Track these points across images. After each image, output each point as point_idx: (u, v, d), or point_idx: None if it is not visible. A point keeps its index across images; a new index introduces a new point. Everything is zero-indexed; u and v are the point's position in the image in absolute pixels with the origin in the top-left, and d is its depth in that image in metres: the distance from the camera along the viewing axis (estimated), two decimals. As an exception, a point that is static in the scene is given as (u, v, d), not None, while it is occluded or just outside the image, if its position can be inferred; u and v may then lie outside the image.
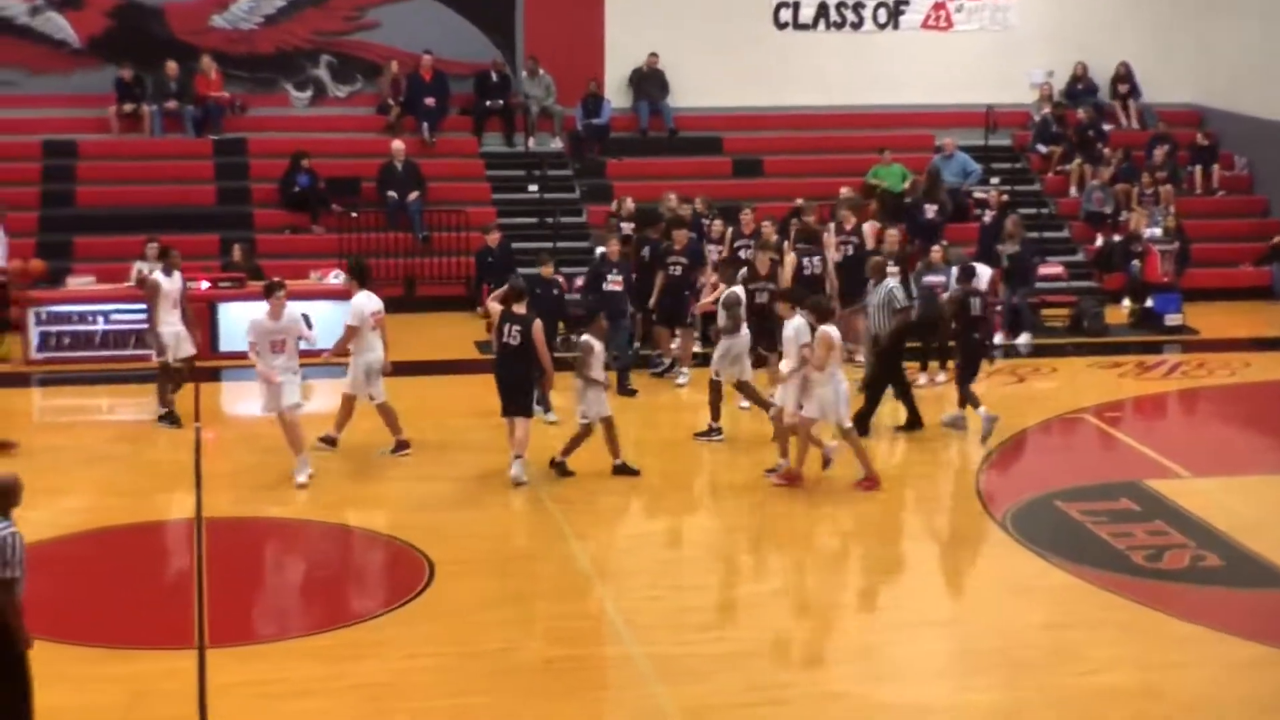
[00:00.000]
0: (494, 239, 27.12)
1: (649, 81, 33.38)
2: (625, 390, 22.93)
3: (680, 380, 23.93)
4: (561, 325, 23.73)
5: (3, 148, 30.77)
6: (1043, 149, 33.78)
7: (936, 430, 21.69)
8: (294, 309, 19.37)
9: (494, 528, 17.94)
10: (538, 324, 19.17)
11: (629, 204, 27.98)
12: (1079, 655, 14.39)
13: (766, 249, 23.44)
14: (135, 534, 17.62)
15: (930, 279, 24.11)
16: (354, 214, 29.94)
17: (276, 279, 20.26)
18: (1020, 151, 33.94)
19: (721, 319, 21.11)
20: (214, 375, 23.53)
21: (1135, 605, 15.59)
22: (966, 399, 21.64)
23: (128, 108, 31.41)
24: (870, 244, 25.13)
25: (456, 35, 33.04)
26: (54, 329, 25.17)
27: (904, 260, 23.90)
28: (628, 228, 27.04)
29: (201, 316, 23.65)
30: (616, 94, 33.39)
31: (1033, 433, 22.15)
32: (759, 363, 21.29)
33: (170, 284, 21.74)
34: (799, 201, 28.32)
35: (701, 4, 33.57)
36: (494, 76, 32.72)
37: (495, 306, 19.58)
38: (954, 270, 23.08)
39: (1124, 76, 34.84)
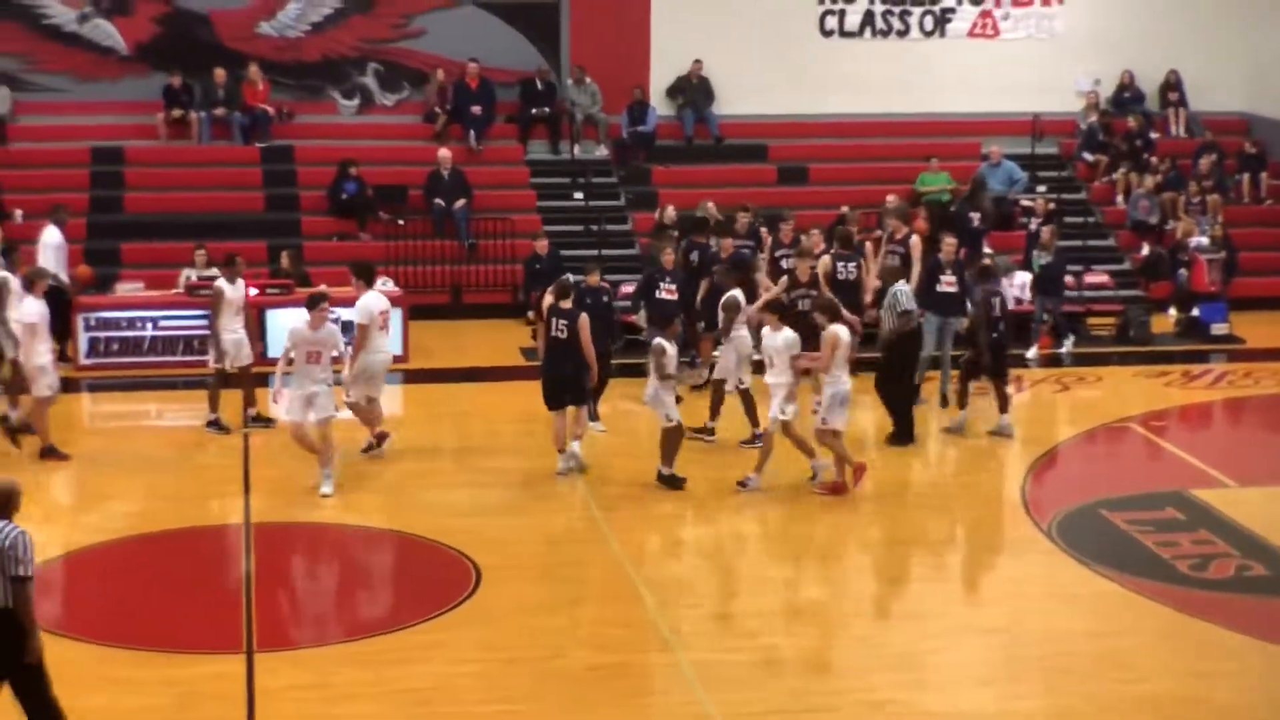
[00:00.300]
0: (542, 246, 27.18)
1: (694, 89, 33.45)
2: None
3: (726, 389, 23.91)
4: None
5: (52, 154, 31.04)
6: (1089, 157, 33.73)
7: (982, 438, 21.70)
8: (333, 325, 19.46)
9: (539, 533, 18.02)
10: (583, 317, 19.69)
11: (670, 211, 27.98)
12: (1124, 663, 14.41)
13: (806, 257, 23.46)
14: (184, 538, 17.73)
15: (985, 288, 23.80)
16: (401, 221, 30.09)
17: (320, 290, 20.39)
18: (1066, 160, 33.88)
19: (722, 323, 21.20)
20: (263, 381, 23.64)
21: (1180, 614, 15.59)
22: (960, 394, 21.85)
23: (176, 114, 31.61)
24: (915, 254, 25.06)
25: (502, 43, 33.15)
26: (102, 335, 25.35)
27: (960, 268, 23.76)
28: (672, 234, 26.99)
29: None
30: (662, 101, 33.50)
31: (1078, 441, 22.16)
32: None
33: (233, 291, 21.82)
34: (844, 209, 28.34)
35: (748, 11, 33.60)
36: (539, 84, 32.83)
37: (549, 300, 20.10)
38: (1003, 279, 23.25)
39: (1173, 84, 34.76)
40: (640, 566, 16.88)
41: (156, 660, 14.30)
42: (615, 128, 32.93)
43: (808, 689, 13.90)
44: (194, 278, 25.73)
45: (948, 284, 23.38)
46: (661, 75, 33.51)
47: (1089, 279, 29.58)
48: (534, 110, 32.80)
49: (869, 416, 21.91)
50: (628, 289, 25.75)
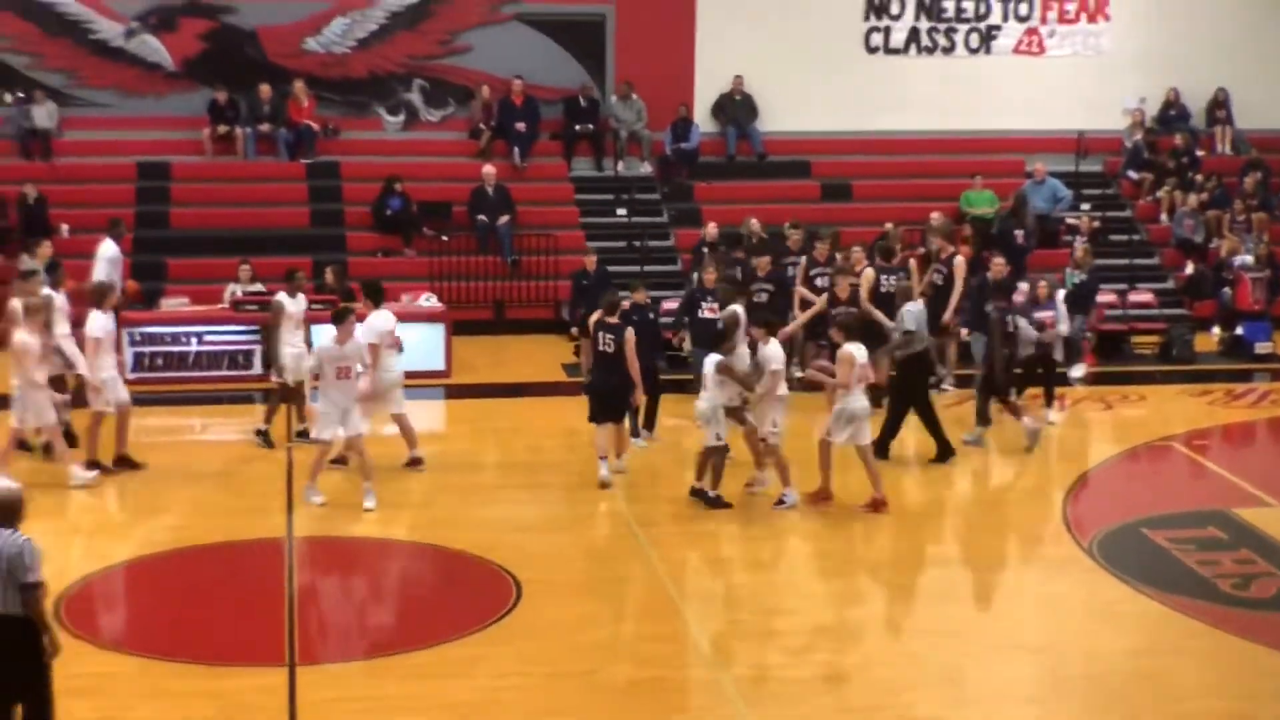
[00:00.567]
0: (591, 262, 27.00)
1: (737, 105, 33.52)
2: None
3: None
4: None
5: (98, 169, 31.27)
6: (1134, 175, 33.71)
7: (1021, 457, 21.72)
8: (359, 340, 19.52)
9: (580, 549, 18.11)
10: (629, 331, 19.90)
11: (712, 229, 27.98)
12: (1166, 682, 14.39)
13: (846, 274, 23.51)
14: (228, 552, 17.82)
15: (1040, 315, 23.70)
16: (445, 237, 30.23)
17: (345, 305, 20.46)
18: (1111, 177, 33.88)
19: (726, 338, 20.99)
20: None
21: (1222, 633, 15.57)
22: (980, 411, 21.98)
23: (221, 130, 31.82)
24: (959, 274, 25.05)
25: (547, 59, 33.30)
26: (148, 349, 25.52)
27: (1008, 289, 23.68)
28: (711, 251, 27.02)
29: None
30: (705, 118, 33.57)
31: (1120, 460, 22.14)
32: None
33: (294, 306, 21.98)
34: (887, 226, 28.36)
35: (793, 28, 33.66)
36: (582, 101, 32.96)
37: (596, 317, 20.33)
38: (1059, 303, 23.48)
39: (1221, 102, 34.75)
40: (681, 582, 16.92)
41: (200, 673, 14.36)
42: (659, 144, 33.03)
43: (849, 705, 13.92)
44: (239, 293, 25.88)
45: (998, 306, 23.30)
46: (706, 92, 33.60)
47: (1133, 297, 29.55)
48: (578, 127, 32.95)
49: (912, 437, 21.87)
50: (670, 305, 25.76)
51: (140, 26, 32.28)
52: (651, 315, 22.27)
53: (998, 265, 23.98)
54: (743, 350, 19.98)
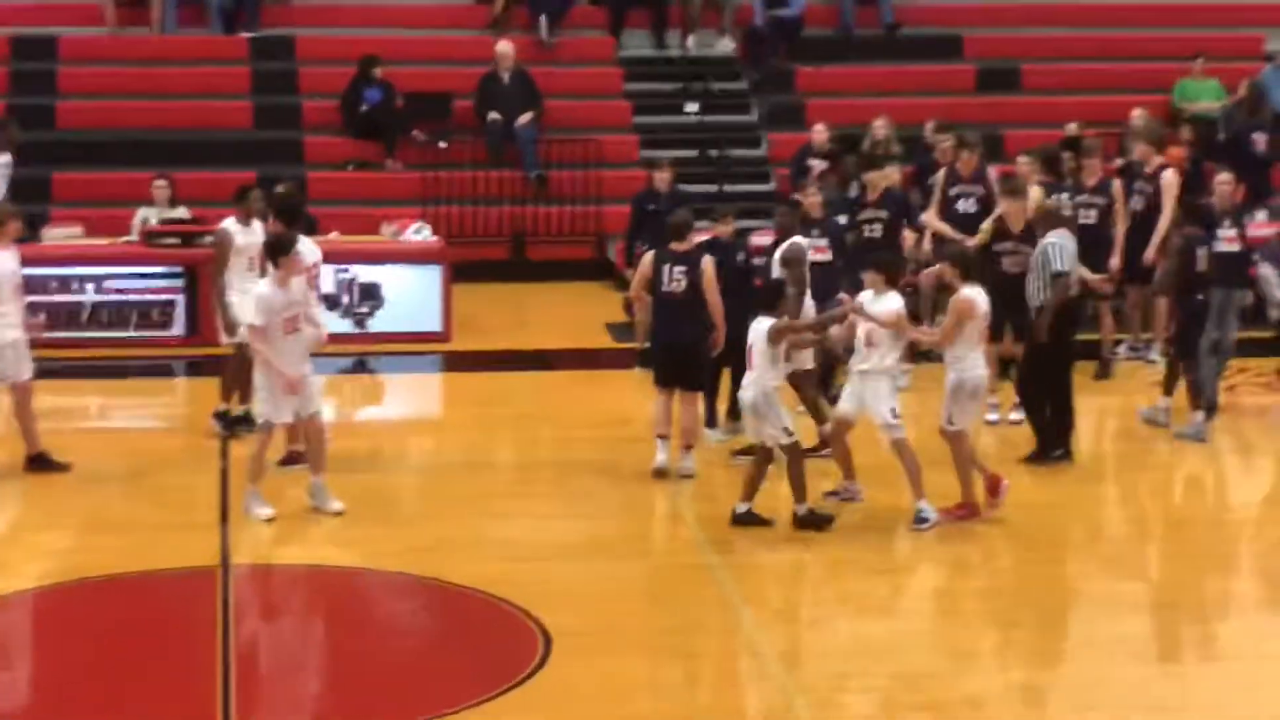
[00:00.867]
0: (663, 180, 26.49)
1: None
2: (830, 395, 22.58)
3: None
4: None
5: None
6: None
7: (1204, 453, 21.91)
8: (302, 281, 19.56)
9: (631, 584, 18.15)
10: (708, 260, 19.75)
11: (821, 132, 28.00)
12: None
13: (1019, 195, 22.96)
14: (137, 588, 17.89)
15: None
16: (442, 144, 30.36)
17: (286, 234, 20.10)
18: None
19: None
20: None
21: None
22: (1196, 389, 22.17)
23: (129, -9, 32.01)
24: (1170, 194, 25.04)
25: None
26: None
27: (1239, 216, 23.66)
28: (819, 165, 27.02)
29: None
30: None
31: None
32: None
33: (247, 237, 21.91)
34: (1069, 128, 28.37)
35: None
36: (640, -51, 33.04)
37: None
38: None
39: None
40: (772, 631, 16.97)
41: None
42: (745, 11, 33.02)
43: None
44: (153, 221, 26.00)
45: (1227, 240, 23.20)
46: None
47: None
48: (631, -15, 33.02)
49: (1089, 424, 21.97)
50: (760, 240, 25.38)
51: None
52: (741, 257, 21.97)
53: (1222, 184, 23.93)
54: (807, 305, 19.93)
